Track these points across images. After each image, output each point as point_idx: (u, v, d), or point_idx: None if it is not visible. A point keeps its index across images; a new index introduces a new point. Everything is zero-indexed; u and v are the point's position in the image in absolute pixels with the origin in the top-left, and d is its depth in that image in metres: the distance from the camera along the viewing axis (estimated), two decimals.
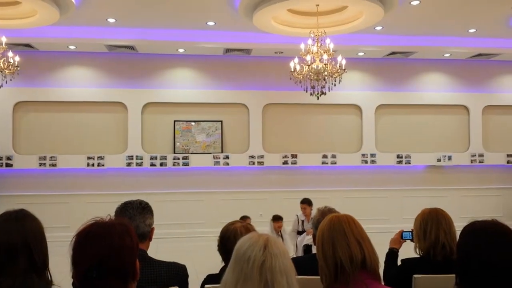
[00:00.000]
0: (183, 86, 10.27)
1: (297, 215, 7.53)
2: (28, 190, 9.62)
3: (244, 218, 7.11)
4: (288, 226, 7.69)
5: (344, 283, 1.93)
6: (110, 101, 10.04)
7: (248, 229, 2.76)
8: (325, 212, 2.86)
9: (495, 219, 1.92)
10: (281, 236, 7.10)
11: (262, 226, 7.61)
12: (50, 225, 9.01)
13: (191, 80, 10.33)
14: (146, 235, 2.61)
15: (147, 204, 2.71)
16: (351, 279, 1.91)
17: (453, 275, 2.14)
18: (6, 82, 7.58)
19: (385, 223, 9.83)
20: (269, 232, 7.06)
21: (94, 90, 9.98)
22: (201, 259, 6.67)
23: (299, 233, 7.39)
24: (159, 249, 7.18)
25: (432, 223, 2.78)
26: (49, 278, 2.03)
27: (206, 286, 2.53)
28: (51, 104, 9.92)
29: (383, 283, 2.18)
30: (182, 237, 9.54)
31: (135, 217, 2.58)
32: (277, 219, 7.33)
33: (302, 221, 7.47)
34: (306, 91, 7.61)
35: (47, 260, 2.07)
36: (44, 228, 2.13)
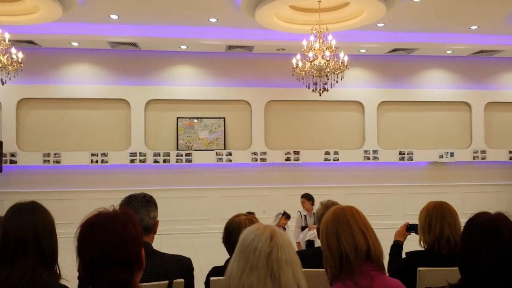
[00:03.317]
0: (186, 83, 10.29)
1: (299, 211, 7.53)
2: (32, 186, 9.64)
3: (250, 214, 7.10)
4: (291, 223, 7.68)
5: (349, 274, 1.94)
6: (113, 98, 10.06)
7: (253, 221, 2.79)
8: (328, 205, 2.89)
9: (501, 212, 1.91)
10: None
11: (265, 222, 7.64)
12: (55, 222, 9.09)
13: (193, 77, 10.35)
14: (151, 228, 2.63)
15: (151, 197, 2.72)
16: (356, 270, 1.93)
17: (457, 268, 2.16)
18: (10, 79, 7.59)
19: (388, 219, 9.83)
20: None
21: (97, 87, 10.01)
22: (204, 255, 6.69)
23: (303, 228, 7.41)
24: (163, 245, 7.19)
25: (437, 216, 2.80)
26: (58, 272, 2.04)
27: (211, 278, 2.55)
28: (54, 101, 9.95)
29: (387, 274, 2.20)
30: (186, 233, 9.58)
31: (140, 210, 2.59)
32: (287, 216, 7.17)
33: (305, 216, 7.49)
34: (309, 88, 7.62)
35: (56, 254, 2.08)
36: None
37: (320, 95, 7.65)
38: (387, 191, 10.62)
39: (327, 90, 7.57)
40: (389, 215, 10.23)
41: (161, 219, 9.55)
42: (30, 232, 1.98)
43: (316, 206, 7.41)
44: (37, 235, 1.99)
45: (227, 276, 1.73)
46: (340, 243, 1.99)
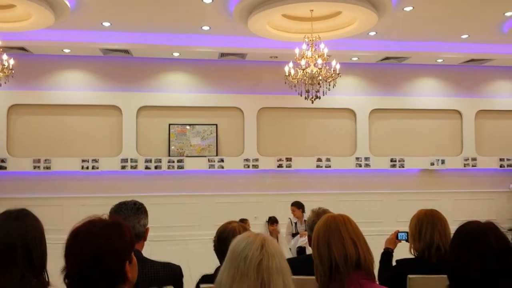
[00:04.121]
0: (178, 90, 10.29)
1: (290, 218, 7.57)
2: (22, 192, 9.57)
3: (243, 221, 7.10)
4: (283, 229, 7.70)
5: (339, 282, 1.95)
6: (105, 104, 10.04)
7: (246, 229, 2.78)
8: (320, 213, 2.89)
9: (490, 221, 1.92)
10: (277, 239, 7.11)
11: (257, 228, 7.64)
12: (45, 228, 9.02)
13: (186, 84, 10.35)
14: (141, 236, 2.62)
15: (141, 204, 2.72)
16: (345, 279, 1.93)
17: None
18: (1, 85, 7.56)
19: (379, 226, 9.85)
20: None
21: (89, 93, 9.98)
22: (195, 262, 6.65)
23: (294, 235, 7.42)
24: (153, 251, 7.16)
25: (427, 224, 2.81)
26: (47, 279, 2.03)
27: (201, 286, 2.54)
28: (45, 107, 9.91)
29: (378, 282, 2.21)
30: (177, 240, 9.52)
31: (130, 217, 2.58)
32: (272, 221, 7.29)
33: (295, 223, 7.51)
34: (301, 95, 7.65)
35: (45, 261, 2.07)
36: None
37: (313, 102, 7.67)
38: (379, 198, 10.66)
39: (319, 98, 7.60)
40: (381, 222, 10.25)
41: (153, 225, 9.49)
42: (19, 239, 1.97)
43: (307, 213, 7.46)
44: (27, 243, 1.98)
45: (217, 284, 1.73)
46: (331, 252, 2.00)
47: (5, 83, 7.61)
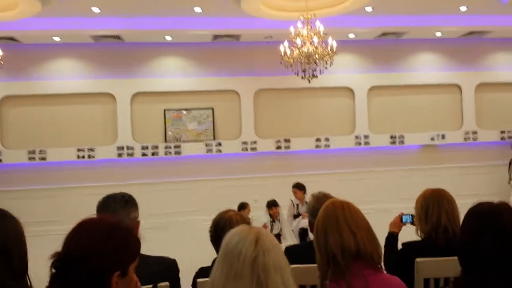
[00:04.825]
0: (172, 74, 10.09)
1: (291, 200, 7.50)
2: (18, 185, 9.46)
3: (243, 205, 7.01)
4: (284, 210, 7.60)
5: (339, 274, 1.83)
6: (98, 92, 9.85)
7: (243, 217, 2.67)
8: (320, 197, 2.76)
9: (504, 201, 1.80)
10: (279, 222, 7.01)
11: (257, 211, 7.55)
12: (43, 219, 8.95)
13: (180, 68, 10.15)
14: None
15: (130, 196, 2.55)
16: (346, 270, 1.82)
17: (456, 257, 2.05)
18: None
19: (381, 203, 9.78)
20: (265, 220, 6.96)
21: (81, 81, 9.78)
22: (196, 247, 6.56)
23: (295, 217, 7.37)
24: (153, 239, 7.08)
25: (434, 204, 2.68)
26: (28, 284, 1.89)
27: (198, 280, 2.42)
28: (38, 98, 9.72)
29: (384, 269, 2.10)
30: (177, 226, 9.39)
31: (118, 211, 2.42)
32: (271, 205, 7.17)
33: (297, 205, 7.46)
34: (297, 75, 7.49)
35: (26, 264, 1.91)
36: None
37: (309, 82, 7.54)
38: (380, 175, 10.53)
39: (316, 77, 7.45)
40: (382, 199, 10.13)
41: (152, 212, 9.41)
42: None
43: (308, 196, 7.38)
44: (6, 246, 1.81)
45: (210, 282, 1.61)
46: (327, 241, 1.88)
47: None
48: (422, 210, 2.72)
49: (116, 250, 1.46)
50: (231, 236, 1.63)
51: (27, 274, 1.89)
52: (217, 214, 2.69)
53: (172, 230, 9.12)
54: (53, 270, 1.44)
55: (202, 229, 6.94)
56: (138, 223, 2.50)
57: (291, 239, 6.92)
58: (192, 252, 6.36)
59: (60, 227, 8.93)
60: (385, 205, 9.64)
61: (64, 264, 1.42)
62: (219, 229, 2.58)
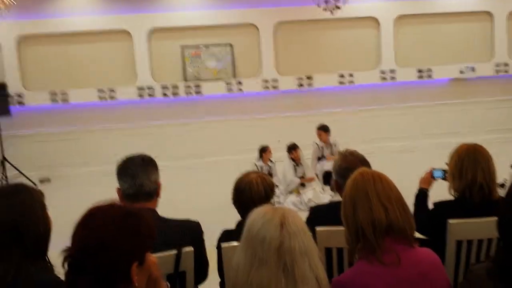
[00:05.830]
0: (188, 7, 9.66)
1: (316, 143, 7.35)
2: (41, 127, 9.49)
3: (264, 148, 6.90)
4: (306, 150, 7.45)
5: (371, 250, 1.71)
6: (114, 28, 9.56)
7: (265, 179, 2.56)
8: (347, 156, 2.59)
9: None
10: (302, 165, 6.89)
11: (280, 152, 7.44)
12: (67, 161, 9.05)
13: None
14: (153, 193, 2.37)
15: (150, 158, 2.43)
16: (376, 246, 1.70)
17: (492, 218, 1.91)
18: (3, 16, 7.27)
19: (408, 140, 9.59)
20: (287, 163, 6.79)
21: (96, 17, 9.44)
22: (218, 189, 6.58)
23: (319, 159, 7.27)
24: (178, 182, 7.13)
25: (469, 161, 2.50)
26: (49, 265, 1.77)
27: (223, 245, 2.35)
28: (53, 37, 9.51)
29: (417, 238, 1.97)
30: (200, 167, 9.37)
31: (138, 174, 2.31)
32: (291, 149, 6.79)
33: (322, 147, 7.34)
34: (319, 6, 7.13)
35: (45, 245, 1.79)
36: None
37: (332, 13, 7.17)
38: (407, 111, 10.18)
39: (339, 8, 7.06)
40: (410, 136, 9.89)
41: (174, 154, 9.36)
42: (8, 221, 1.70)
43: (333, 137, 7.22)
44: (16, 225, 1.69)
45: (234, 267, 1.52)
46: (356, 215, 1.75)
47: (7, 13, 7.30)
48: (456, 166, 2.55)
49: (130, 242, 1.36)
50: (255, 219, 1.52)
51: (47, 255, 1.80)
52: (238, 177, 2.58)
53: (195, 171, 9.11)
54: (66, 267, 1.35)
55: (226, 169, 6.96)
56: (159, 185, 2.40)
57: (314, 182, 6.84)
58: (214, 193, 6.37)
59: (88, 169, 9.09)
60: (412, 143, 9.46)
61: (77, 260, 1.33)
62: (239, 192, 2.51)
